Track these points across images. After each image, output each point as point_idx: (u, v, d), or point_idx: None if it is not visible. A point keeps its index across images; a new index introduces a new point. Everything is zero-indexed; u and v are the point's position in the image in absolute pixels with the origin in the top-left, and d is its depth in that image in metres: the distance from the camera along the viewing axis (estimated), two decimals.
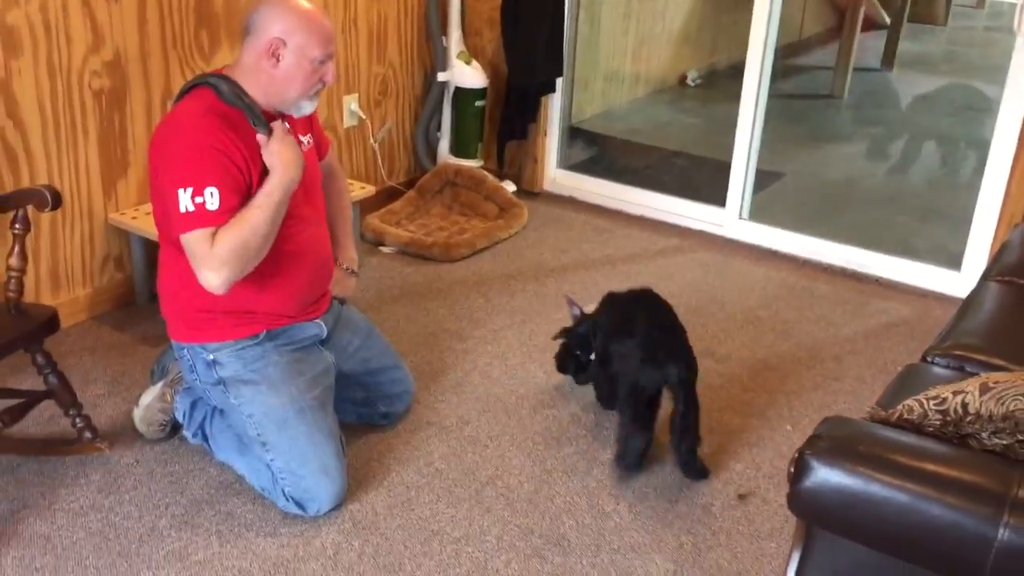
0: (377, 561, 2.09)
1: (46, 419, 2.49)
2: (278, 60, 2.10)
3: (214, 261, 1.99)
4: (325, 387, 2.30)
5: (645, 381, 2.35)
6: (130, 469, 2.35)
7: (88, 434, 2.36)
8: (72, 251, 2.93)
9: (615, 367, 2.48)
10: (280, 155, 2.08)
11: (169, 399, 2.42)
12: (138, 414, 2.44)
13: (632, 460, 2.38)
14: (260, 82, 2.12)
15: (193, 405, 2.38)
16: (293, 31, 2.09)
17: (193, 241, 2.00)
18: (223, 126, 2.05)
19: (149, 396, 2.44)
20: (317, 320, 2.33)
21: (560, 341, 2.71)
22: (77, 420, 2.35)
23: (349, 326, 2.46)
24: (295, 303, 2.26)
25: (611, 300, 2.63)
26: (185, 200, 1.98)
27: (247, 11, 2.17)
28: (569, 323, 2.75)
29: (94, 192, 2.93)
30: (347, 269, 2.52)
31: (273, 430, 2.18)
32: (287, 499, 2.19)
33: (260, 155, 2.09)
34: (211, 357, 2.22)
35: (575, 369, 2.70)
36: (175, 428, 2.46)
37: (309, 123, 2.36)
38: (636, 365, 2.36)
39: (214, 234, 1.99)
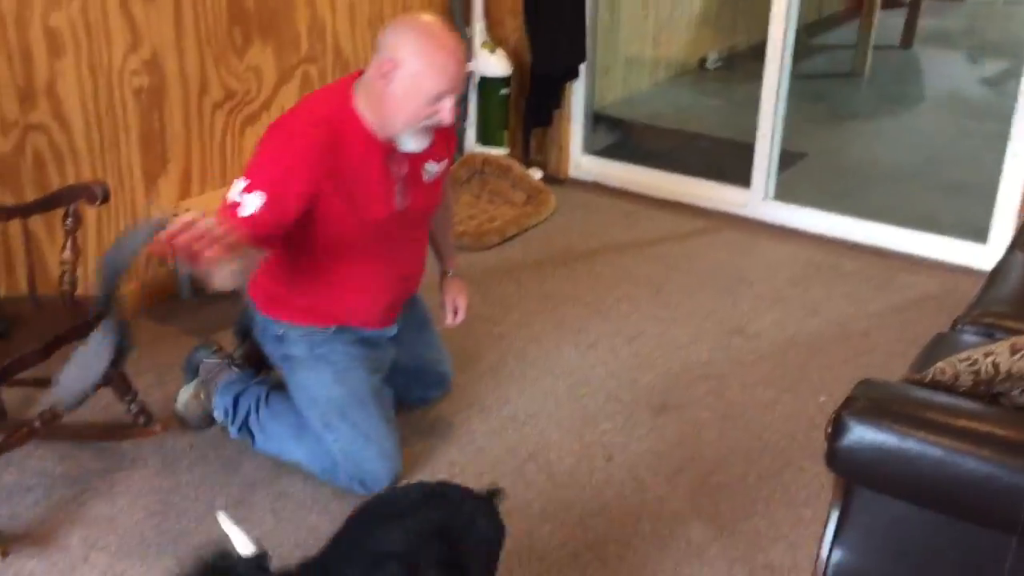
0: None
1: (101, 407, 2.58)
2: (388, 82, 1.99)
3: None
4: (383, 376, 2.37)
5: None
6: (184, 453, 2.44)
7: (143, 419, 2.45)
8: None
9: None
10: None
11: (202, 397, 2.47)
12: (179, 409, 2.51)
13: None
14: (372, 100, 2.05)
15: (236, 401, 2.40)
16: (412, 57, 1.97)
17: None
18: (324, 144, 2.01)
19: (185, 394, 2.51)
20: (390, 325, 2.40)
21: None
22: (132, 406, 2.44)
23: (411, 321, 2.50)
24: (373, 318, 2.33)
25: None
26: (235, 189, 1.98)
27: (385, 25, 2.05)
28: None
29: (137, 189, 3.02)
30: (454, 275, 2.55)
31: (336, 416, 2.24)
32: (350, 479, 2.25)
33: (341, 183, 2.04)
34: (280, 332, 2.29)
35: None
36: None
37: (447, 147, 2.30)
38: None
39: None
